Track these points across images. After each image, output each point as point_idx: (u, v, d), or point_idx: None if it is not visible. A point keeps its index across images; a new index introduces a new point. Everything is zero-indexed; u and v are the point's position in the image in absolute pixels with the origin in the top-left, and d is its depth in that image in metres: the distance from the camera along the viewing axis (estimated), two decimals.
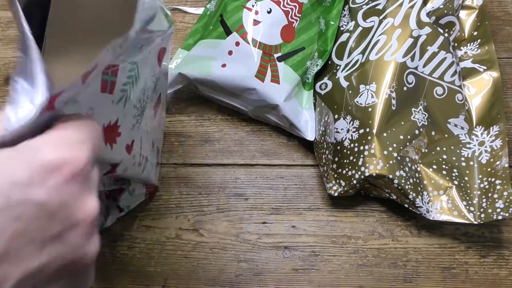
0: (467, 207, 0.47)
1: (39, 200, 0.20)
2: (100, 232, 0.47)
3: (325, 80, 0.55)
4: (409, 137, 0.49)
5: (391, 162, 0.47)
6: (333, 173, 0.50)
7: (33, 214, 0.20)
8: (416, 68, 0.52)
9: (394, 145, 0.48)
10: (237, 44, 0.52)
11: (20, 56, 0.24)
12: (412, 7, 0.53)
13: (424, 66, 0.52)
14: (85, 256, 0.23)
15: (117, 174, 0.38)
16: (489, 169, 0.49)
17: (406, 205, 0.48)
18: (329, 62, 0.56)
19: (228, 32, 0.53)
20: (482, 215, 0.47)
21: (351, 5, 0.58)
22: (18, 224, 0.19)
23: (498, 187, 0.48)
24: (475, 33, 0.57)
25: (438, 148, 0.51)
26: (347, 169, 0.48)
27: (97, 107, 0.31)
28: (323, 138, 0.51)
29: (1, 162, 0.20)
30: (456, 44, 0.56)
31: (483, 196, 0.48)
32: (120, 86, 0.33)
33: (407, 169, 0.48)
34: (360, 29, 0.55)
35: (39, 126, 0.23)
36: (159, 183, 0.52)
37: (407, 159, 0.49)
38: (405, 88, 0.51)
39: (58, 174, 0.21)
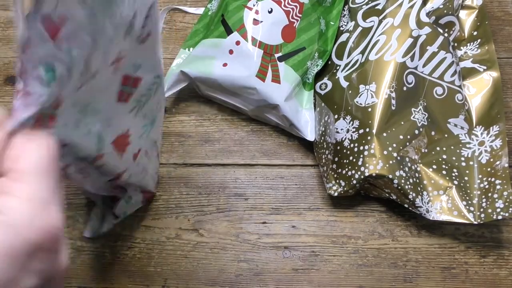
0: (467, 207, 0.48)
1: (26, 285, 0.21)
2: (98, 235, 0.47)
3: (325, 80, 0.55)
4: (409, 137, 0.49)
5: (391, 162, 0.47)
6: (333, 173, 0.50)
7: None
8: (416, 68, 0.52)
9: (394, 145, 0.48)
10: (238, 43, 0.52)
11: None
12: (411, 7, 0.53)
13: (424, 66, 0.52)
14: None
15: (121, 180, 0.38)
16: (489, 169, 0.49)
17: (406, 205, 0.48)
18: (329, 62, 0.56)
19: (229, 31, 0.53)
20: (482, 215, 0.47)
21: (351, 5, 0.58)
22: None
23: (498, 187, 0.48)
24: (475, 33, 0.57)
25: (438, 148, 0.51)
26: (347, 169, 0.48)
27: (115, 117, 0.31)
28: (323, 138, 0.51)
29: None
30: (456, 44, 0.56)
31: (483, 196, 0.48)
32: (137, 96, 0.33)
33: (407, 169, 0.48)
34: (360, 29, 0.55)
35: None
36: (157, 187, 0.52)
37: (407, 159, 0.49)
38: (405, 88, 0.51)
39: (40, 253, 0.21)
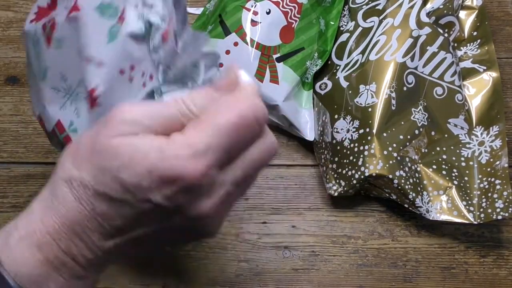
0: (467, 207, 0.48)
1: (156, 202, 0.23)
2: None
3: (325, 80, 0.55)
4: (409, 137, 0.49)
5: (391, 162, 0.47)
6: (333, 173, 0.50)
7: (151, 209, 0.24)
8: (416, 68, 0.52)
9: (394, 145, 0.48)
10: (236, 44, 0.52)
11: None
12: (412, 7, 0.53)
13: (424, 66, 0.52)
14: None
15: None
16: (488, 169, 0.49)
17: (406, 205, 0.48)
18: (329, 62, 0.56)
19: (227, 32, 0.53)
20: (482, 215, 0.47)
21: (351, 5, 0.58)
22: (138, 210, 0.23)
23: (497, 187, 0.48)
24: (475, 33, 0.57)
25: (438, 148, 0.51)
26: (347, 169, 0.48)
27: None
28: (321, 138, 0.52)
29: (139, 156, 0.23)
30: (456, 44, 0.56)
31: (483, 196, 0.48)
32: None
33: (407, 169, 0.48)
34: (360, 29, 0.55)
35: None
36: None
37: (407, 159, 0.49)
38: (405, 88, 0.51)
39: (172, 186, 0.23)
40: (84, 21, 0.32)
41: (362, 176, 0.47)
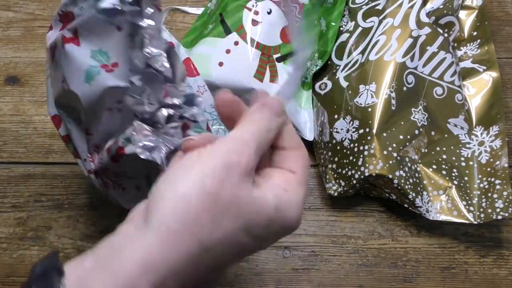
0: (467, 207, 0.48)
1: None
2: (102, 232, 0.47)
3: (325, 80, 0.55)
4: (408, 137, 0.49)
5: (390, 162, 0.47)
6: (332, 173, 0.50)
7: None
8: (415, 68, 0.52)
9: (394, 145, 0.48)
10: (236, 43, 0.52)
11: None
12: (411, 7, 0.53)
13: (424, 66, 0.52)
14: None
15: None
16: (488, 169, 0.49)
17: (406, 205, 0.48)
18: (329, 62, 0.56)
19: (228, 31, 0.53)
20: (482, 215, 0.47)
21: (351, 5, 0.58)
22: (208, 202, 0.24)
23: (497, 187, 0.48)
24: (475, 33, 0.57)
25: (437, 148, 0.51)
26: (346, 169, 0.48)
27: None
28: (320, 138, 0.52)
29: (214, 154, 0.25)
30: (455, 44, 0.56)
31: (483, 196, 0.48)
32: None
33: (406, 169, 0.48)
34: (360, 29, 0.55)
35: None
36: None
37: (407, 159, 0.49)
38: (404, 88, 0.51)
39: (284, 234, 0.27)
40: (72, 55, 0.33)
41: (362, 176, 0.47)
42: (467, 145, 0.51)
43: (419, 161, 0.50)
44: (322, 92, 0.54)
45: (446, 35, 0.53)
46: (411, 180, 0.47)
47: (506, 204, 0.46)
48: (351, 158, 0.48)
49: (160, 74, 0.31)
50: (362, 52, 0.53)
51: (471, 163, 0.50)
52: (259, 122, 0.27)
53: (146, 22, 0.31)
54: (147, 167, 0.33)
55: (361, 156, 0.48)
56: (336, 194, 0.49)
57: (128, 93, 0.32)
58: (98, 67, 0.33)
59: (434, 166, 0.50)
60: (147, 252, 0.23)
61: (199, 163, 0.24)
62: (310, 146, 0.54)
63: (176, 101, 0.32)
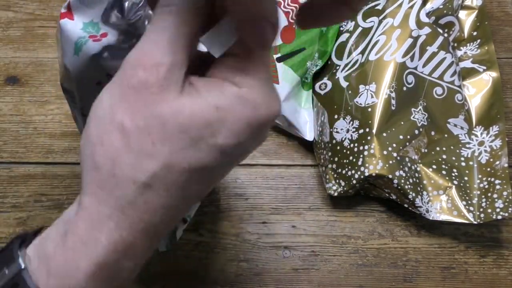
0: (467, 207, 0.48)
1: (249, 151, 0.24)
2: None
3: (325, 80, 0.55)
4: (408, 137, 0.49)
5: (390, 162, 0.47)
6: (332, 173, 0.50)
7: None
8: (415, 68, 0.52)
9: (394, 145, 0.48)
10: None
11: None
12: (411, 7, 0.53)
13: (424, 66, 0.52)
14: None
15: None
16: (488, 169, 0.49)
17: (405, 205, 0.48)
18: (329, 62, 0.56)
19: None
20: (482, 215, 0.47)
21: None
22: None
23: (497, 187, 0.48)
24: (475, 33, 0.57)
25: (437, 148, 0.51)
26: (346, 169, 0.48)
27: None
28: (320, 138, 0.52)
29: (231, 114, 0.22)
30: (455, 44, 0.56)
31: (483, 196, 0.48)
32: None
33: (406, 169, 0.48)
34: (360, 29, 0.55)
35: None
36: None
37: (407, 159, 0.49)
38: (404, 88, 0.51)
39: (265, 129, 0.24)
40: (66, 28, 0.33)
41: (362, 176, 0.47)
42: (467, 145, 0.51)
43: (419, 161, 0.50)
44: (322, 92, 0.54)
45: (446, 35, 0.53)
46: (411, 180, 0.47)
47: (506, 204, 0.46)
48: (351, 158, 0.49)
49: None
50: (362, 52, 0.53)
51: (471, 163, 0.50)
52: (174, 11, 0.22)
53: None
54: None
55: (361, 156, 0.48)
56: (336, 194, 0.49)
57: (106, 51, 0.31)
58: (86, 38, 0.32)
59: (434, 166, 0.50)
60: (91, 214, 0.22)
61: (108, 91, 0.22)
62: (310, 146, 0.54)
63: None
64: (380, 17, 0.54)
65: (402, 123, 0.50)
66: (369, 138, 0.48)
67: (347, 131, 0.50)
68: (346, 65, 0.54)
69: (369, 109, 0.50)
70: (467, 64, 0.56)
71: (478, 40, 0.56)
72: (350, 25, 0.57)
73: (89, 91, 0.34)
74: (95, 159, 0.22)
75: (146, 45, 0.22)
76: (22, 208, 0.51)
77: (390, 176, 0.46)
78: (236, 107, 0.22)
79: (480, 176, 0.49)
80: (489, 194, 0.48)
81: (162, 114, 0.21)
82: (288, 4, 0.54)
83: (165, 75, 0.21)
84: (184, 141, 0.21)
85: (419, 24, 0.52)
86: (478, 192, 0.48)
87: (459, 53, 0.57)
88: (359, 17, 0.56)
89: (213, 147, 0.21)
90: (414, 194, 0.47)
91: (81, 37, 0.33)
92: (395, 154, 0.48)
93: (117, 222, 0.22)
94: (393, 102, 0.50)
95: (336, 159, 0.50)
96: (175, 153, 0.21)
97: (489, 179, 0.49)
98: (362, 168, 0.47)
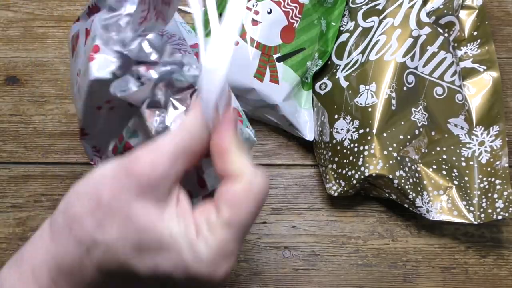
0: (467, 207, 0.48)
1: None
2: None
3: (325, 80, 0.55)
4: (409, 137, 0.49)
5: (391, 162, 0.47)
6: (333, 173, 0.50)
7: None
8: (416, 68, 0.52)
9: (394, 145, 0.48)
10: (236, 43, 0.52)
11: None
12: (412, 7, 0.53)
13: (424, 66, 0.52)
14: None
15: None
16: (489, 169, 0.49)
17: (406, 205, 0.48)
18: (329, 62, 0.56)
19: None
20: (482, 215, 0.47)
21: (351, 5, 0.58)
22: None
23: (498, 187, 0.48)
24: (475, 33, 0.57)
25: (438, 148, 0.51)
26: (347, 169, 0.48)
27: None
28: (321, 138, 0.52)
29: (175, 248, 0.23)
30: (456, 44, 0.56)
31: (483, 196, 0.48)
32: None
33: (407, 169, 0.48)
34: (360, 29, 0.55)
35: None
36: None
37: (407, 159, 0.49)
38: (405, 88, 0.51)
39: (198, 284, 0.24)
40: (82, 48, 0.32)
41: (362, 176, 0.47)
42: (467, 145, 0.51)
43: (419, 161, 0.50)
44: (322, 92, 0.54)
45: (446, 35, 0.53)
46: (411, 180, 0.47)
47: (507, 204, 0.46)
48: (351, 158, 0.48)
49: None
50: (362, 52, 0.53)
51: (471, 163, 0.50)
52: (189, 126, 0.24)
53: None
54: None
55: (361, 156, 0.48)
56: (336, 194, 0.49)
57: (114, 88, 0.29)
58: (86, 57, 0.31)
59: (434, 166, 0.50)
60: (42, 248, 0.24)
61: (111, 162, 0.24)
62: (310, 146, 0.54)
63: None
64: (380, 17, 0.54)
65: (402, 123, 0.50)
66: (369, 138, 0.48)
67: (347, 131, 0.50)
68: (346, 65, 0.54)
69: (369, 109, 0.50)
70: (467, 64, 0.56)
71: (479, 40, 0.56)
72: (350, 25, 0.56)
73: (89, 111, 0.33)
74: (67, 206, 0.24)
75: (154, 148, 0.23)
76: (22, 208, 0.51)
77: (390, 176, 0.46)
78: (184, 249, 0.22)
79: (480, 176, 0.49)
80: (490, 194, 0.48)
81: (131, 214, 0.22)
82: (288, 4, 0.54)
83: (156, 182, 0.23)
84: (132, 243, 0.22)
85: (420, 24, 0.52)
86: (479, 192, 0.48)
87: (460, 53, 0.57)
88: (359, 17, 0.56)
89: (151, 264, 0.22)
90: (414, 194, 0.47)
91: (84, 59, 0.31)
92: (395, 154, 0.48)
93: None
94: (393, 102, 0.50)
95: (336, 159, 0.50)
96: (121, 246, 0.22)
97: (489, 179, 0.49)
98: (362, 168, 0.47)
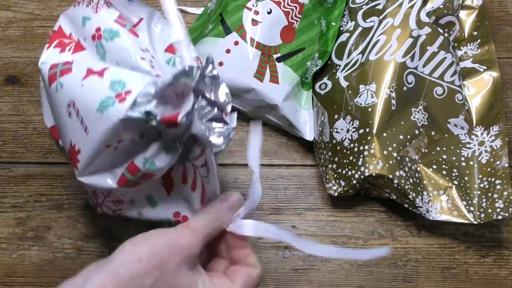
0: (467, 207, 0.48)
1: None
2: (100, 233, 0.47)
3: (325, 80, 0.55)
4: (409, 137, 0.49)
5: (391, 162, 0.47)
6: (333, 173, 0.50)
7: None
8: (416, 68, 0.52)
9: (394, 145, 0.48)
10: (236, 43, 0.52)
11: None
12: (412, 7, 0.53)
13: (424, 66, 0.52)
14: None
15: None
16: (489, 169, 0.49)
17: (406, 205, 0.48)
18: (329, 62, 0.56)
19: (227, 31, 0.53)
20: (482, 215, 0.47)
21: (351, 5, 0.58)
22: None
23: (498, 187, 0.48)
24: (475, 33, 0.57)
25: (438, 148, 0.51)
26: (347, 169, 0.48)
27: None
28: (321, 138, 0.52)
29: None
30: (456, 44, 0.56)
31: (483, 196, 0.48)
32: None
33: (407, 169, 0.48)
34: (360, 29, 0.55)
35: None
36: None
37: (407, 159, 0.49)
38: (405, 88, 0.51)
39: None
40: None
41: (362, 176, 0.47)
42: (467, 145, 0.51)
43: (419, 161, 0.50)
44: (322, 92, 0.54)
45: (446, 35, 0.53)
46: (411, 180, 0.47)
47: (507, 204, 0.46)
48: (351, 158, 0.48)
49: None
50: (362, 52, 0.53)
51: (471, 163, 0.50)
52: (214, 213, 0.34)
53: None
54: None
55: (361, 156, 0.48)
56: (336, 194, 0.49)
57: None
58: (113, 98, 0.30)
59: (434, 166, 0.50)
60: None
61: (158, 237, 0.31)
62: (310, 146, 0.54)
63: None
64: (380, 17, 0.54)
65: (402, 123, 0.50)
66: (369, 138, 0.48)
67: (347, 131, 0.50)
68: (346, 65, 0.54)
69: (369, 109, 0.50)
70: (467, 64, 0.56)
71: (479, 40, 0.56)
72: (350, 25, 0.56)
73: (95, 147, 0.32)
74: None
75: (186, 227, 0.33)
76: (22, 208, 0.51)
77: (390, 176, 0.46)
78: None
79: (480, 176, 0.49)
80: (490, 194, 0.48)
81: (178, 272, 0.31)
82: (288, 4, 0.54)
83: (196, 251, 0.32)
84: None
85: (419, 24, 0.52)
86: (479, 192, 0.48)
87: (459, 53, 0.57)
88: (359, 17, 0.56)
89: None
90: (414, 194, 0.47)
91: (108, 96, 0.30)
92: (395, 154, 0.48)
93: None
94: (393, 102, 0.50)
95: (336, 159, 0.50)
96: None
97: (489, 179, 0.49)
98: (362, 168, 0.47)
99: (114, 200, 0.37)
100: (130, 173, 0.32)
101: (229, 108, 0.32)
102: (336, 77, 0.54)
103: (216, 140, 0.31)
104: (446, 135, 0.52)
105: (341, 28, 0.58)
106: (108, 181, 0.34)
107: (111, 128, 0.30)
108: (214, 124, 0.31)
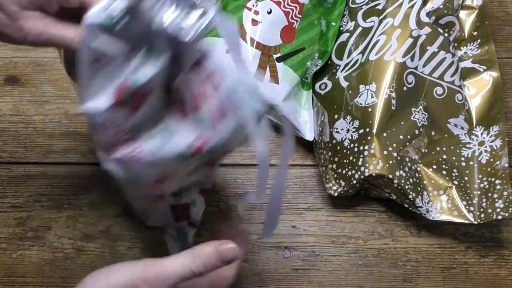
0: (467, 207, 0.48)
1: None
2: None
3: (325, 80, 0.55)
4: (409, 137, 0.49)
5: (391, 162, 0.47)
6: (333, 173, 0.50)
7: None
8: (416, 68, 0.52)
9: (394, 145, 0.48)
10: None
11: None
12: (412, 7, 0.53)
13: (424, 66, 0.52)
14: None
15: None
16: (489, 169, 0.49)
17: (406, 205, 0.48)
18: (329, 62, 0.56)
19: None
20: (482, 215, 0.47)
21: (351, 5, 0.58)
22: None
23: (498, 187, 0.48)
24: (475, 33, 0.57)
25: (438, 148, 0.51)
26: (347, 169, 0.48)
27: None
28: (321, 138, 0.52)
29: None
30: (456, 44, 0.56)
31: (483, 196, 0.48)
32: None
33: (407, 169, 0.48)
34: (360, 29, 0.55)
35: None
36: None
37: (407, 159, 0.49)
38: (405, 88, 0.51)
39: None
40: None
41: (362, 176, 0.47)
42: (467, 145, 0.51)
43: (419, 161, 0.50)
44: (322, 92, 0.54)
45: (446, 35, 0.53)
46: (411, 180, 0.47)
47: (507, 204, 0.46)
48: (351, 158, 0.48)
49: None
50: (362, 52, 0.53)
51: (471, 163, 0.50)
52: (199, 260, 0.31)
53: None
54: None
55: (361, 156, 0.48)
56: (336, 194, 0.49)
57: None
58: None
59: (434, 166, 0.50)
60: None
61: (127, 270, 0.31)
62: (310, 146, 0.54)
63: None
64: (380, 17, 0.54)
65: (402, 123, 0.50)
66: (369, 138, 0.48)
67: (347, 131, 0.50)
68: (346, 65, 0.54)
69: (369, 109, 0.50)
70: (467, 64, 0.56)
71: (479, 40, 0.56)
72: (350, 25, 0.56)
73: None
74: None
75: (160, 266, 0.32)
76: (22, 208, 0.51)
77: (390, 176, 0.46)
78: None
79: (480, 176, 0.49)
80: (490, 194, 0.48)
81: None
82: (288, 4, 0.54)
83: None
84: None
85: (419, 24, 0.52)
86: (479, 192, 0.48)
87: (460, 53, 0.57)
88: (359, 17, 0.56)
89: None
90: (414, 194, 0.47)
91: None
92: (395, 154, 0.48)
93: None
94: (393, 102, 0.50)
95: (336, 159, 0.50)
96: None
97: (489, 179, 0.49)
98: (362, 168, 0.47)
99: (130, 137, 0.36)
100: (120, 93, 0.32)
101: None
102: (336, 77, 0.54)
103: (186, 26, 0.29)
104: (446, 135, 0.52)
105: (341, 28, 0.58)
106: (106, 100, 0.33)
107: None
108: (186, 13, 0.30)
